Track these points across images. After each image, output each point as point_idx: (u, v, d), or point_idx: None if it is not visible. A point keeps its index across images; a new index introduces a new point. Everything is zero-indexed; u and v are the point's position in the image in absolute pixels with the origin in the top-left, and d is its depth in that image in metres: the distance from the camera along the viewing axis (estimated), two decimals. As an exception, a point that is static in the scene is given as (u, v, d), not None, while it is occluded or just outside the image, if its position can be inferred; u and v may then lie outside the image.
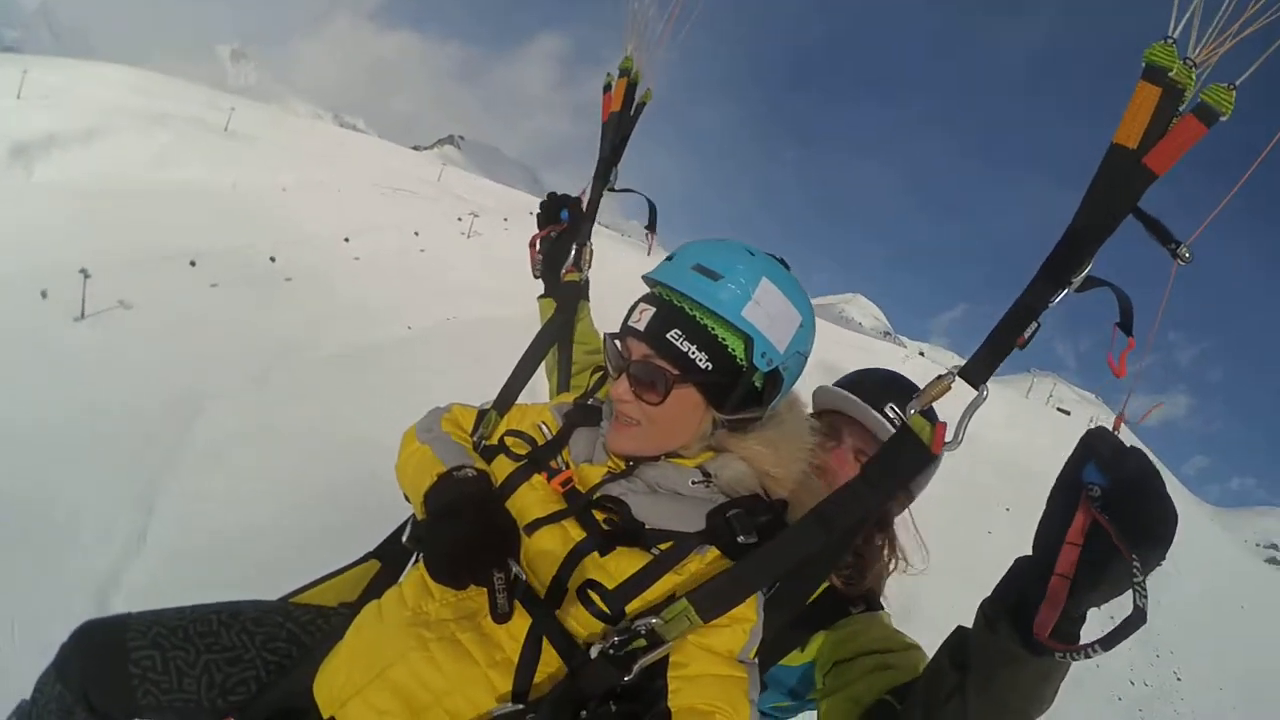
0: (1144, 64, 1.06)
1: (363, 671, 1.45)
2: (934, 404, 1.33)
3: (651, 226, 2.25)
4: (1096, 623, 1.09)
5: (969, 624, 1.25)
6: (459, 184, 28.03)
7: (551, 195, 2.34)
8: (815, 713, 1.73)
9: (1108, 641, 0.96)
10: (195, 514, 4.52)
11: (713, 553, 1.45)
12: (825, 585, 1.85)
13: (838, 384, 2.15)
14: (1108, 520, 1.01)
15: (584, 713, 1.34)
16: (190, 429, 5.52)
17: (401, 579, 1.76)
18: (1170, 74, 1.04)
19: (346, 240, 12.84)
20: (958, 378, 1.26)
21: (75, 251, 8.06)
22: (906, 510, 2.07)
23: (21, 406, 5.15)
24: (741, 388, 1.52)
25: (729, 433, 1.60)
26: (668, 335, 1.49)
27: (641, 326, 1.54)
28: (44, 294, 6.87)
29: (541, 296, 2.39)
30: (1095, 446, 1.08)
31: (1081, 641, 1.05)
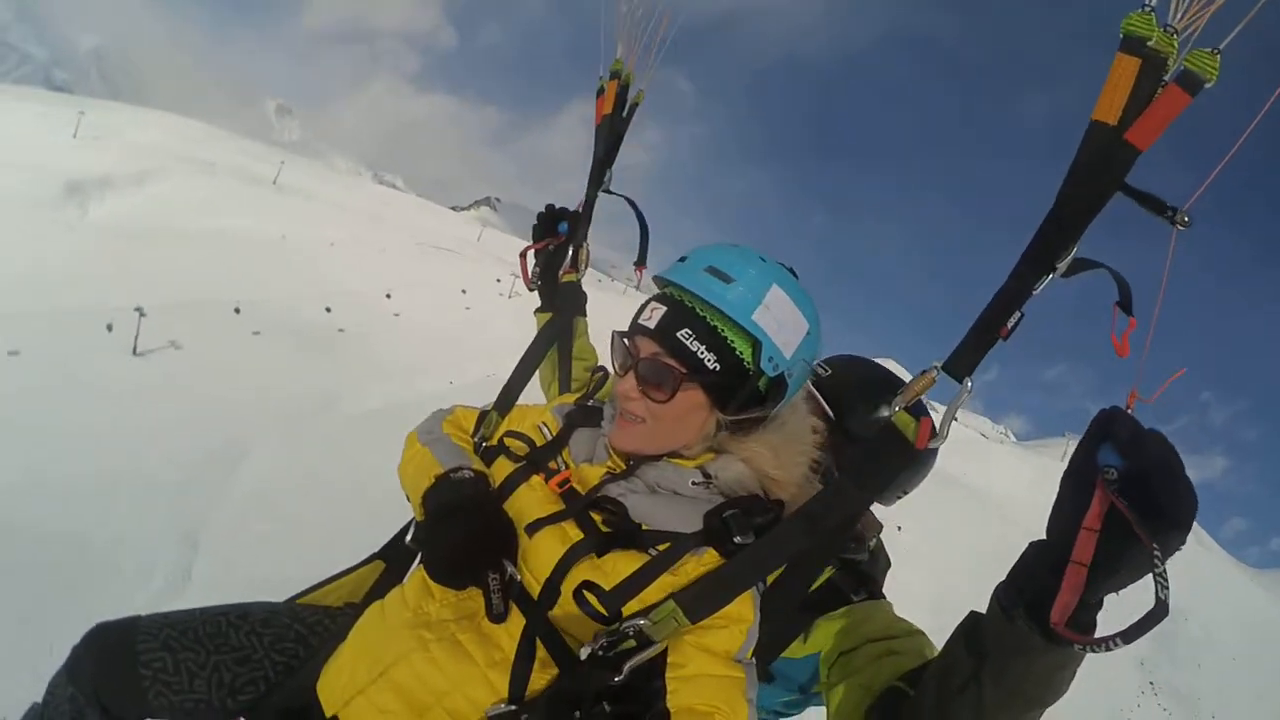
0: (1121, 35, 1.03)
1: (366, 671, 1.46)
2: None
3: (641, 260, 2.20)
4: (1115, 614, 1.06)
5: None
6: (498, 245, 28.43)
7: (549, 207, 2.33)
8: (825, 708, 1.70)
9: (1129, 635, 0.94)
10: (237, 555, 4.53)
11: (710, 554, 1.45)
12: (827, 575, 1.87)
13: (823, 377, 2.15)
14: (1126, 506, 0.99)
15: (578, 713, 1.33)
16: (236, 471, 5.56)
17: (405, 580, 1.78)
18: (1149, 43, 1.02)
19: (388, 296, 13.02)
20: (941, 372, 1.25)
21: (126, 290, 8.29)
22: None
23: (77, 434, 5.25)
24: (746, 390, 1.54)
25: (730, 434, 1.60)
26: (678, 334, 1.51)
27: (652, 324, 1.55)
28: (109, 327, 7.04)
29: (538, 310, 2.37)
30: (1112, 428, 1.04)
31: (1099, 633, 1.03)
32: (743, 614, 1.40)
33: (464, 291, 15.15)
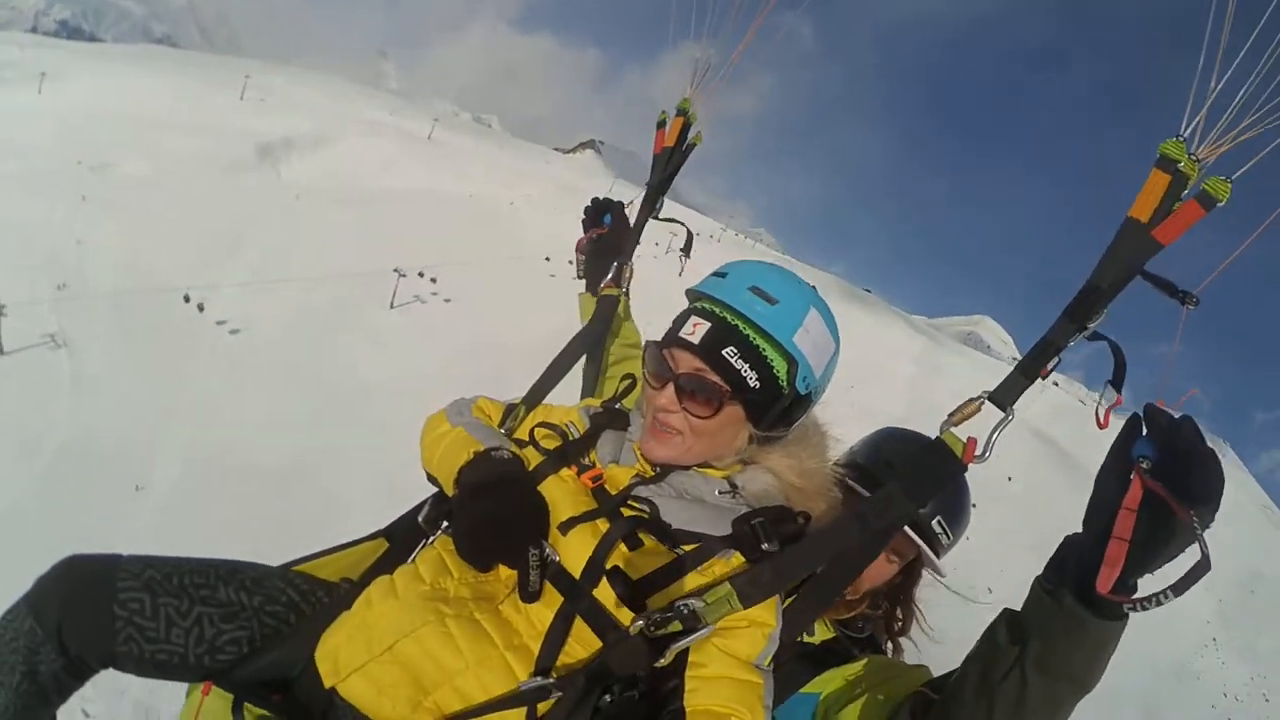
0: (1158, 154, 1.25)
1: (375, 643, 1.42)
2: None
3: (686, 251, 2.37)
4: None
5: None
6: (629, 196, 29.17)
7: (595, 200, 2.41)
8: None
9: (1178, 587, 1.04)
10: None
11: (737, 558, 1.48)
12: (832, 635, 2.02)
13: (863, 465, 2.10)
14: (1162, 487, 1.11)
15: (607, 697, 1.38)
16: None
17: (413, 558, 1.74)
18: (1179, 165, 1.23)
19: (547, 259, 13.72)
20: (987, 401, 1.39)
21: (360, 252, 9.45)
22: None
23: (359, 384, 6.28)
24: (779, 407, 1.59)
25: (758, 446, 1.66)
26: (723, 352, 1.54)
27: (695, 340, 1.56)
28: (364, 289, 7.90)
29: (583, 293, 2.44)
30: (1151, 420, 1.20)
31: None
32: (766, 618, 1.43)
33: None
